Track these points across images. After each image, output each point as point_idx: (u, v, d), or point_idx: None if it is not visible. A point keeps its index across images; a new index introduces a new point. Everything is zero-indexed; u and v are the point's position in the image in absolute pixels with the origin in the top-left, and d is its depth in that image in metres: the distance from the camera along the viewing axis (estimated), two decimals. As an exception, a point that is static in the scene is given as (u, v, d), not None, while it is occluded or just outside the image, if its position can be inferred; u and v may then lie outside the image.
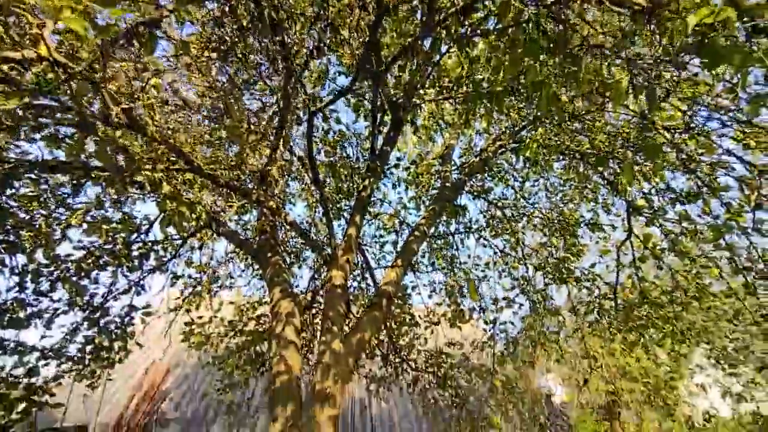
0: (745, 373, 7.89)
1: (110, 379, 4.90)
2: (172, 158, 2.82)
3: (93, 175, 3.19)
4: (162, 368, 12.23)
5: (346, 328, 3.22)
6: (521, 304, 5.36)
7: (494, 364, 5.68)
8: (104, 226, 3.67)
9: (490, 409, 5.99)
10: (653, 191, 4.08)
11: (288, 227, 4.69)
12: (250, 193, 3.26)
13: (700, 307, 6.63)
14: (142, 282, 4.75)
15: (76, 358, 4.61)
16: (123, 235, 4.24)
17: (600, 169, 4.29)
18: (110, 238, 4.08)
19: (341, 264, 3.16)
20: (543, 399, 10.24)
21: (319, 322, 4.33)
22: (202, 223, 3.86)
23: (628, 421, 10.23)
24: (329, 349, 2.70)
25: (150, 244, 4.62)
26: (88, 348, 4.68)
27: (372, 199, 5.39)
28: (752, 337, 6.68)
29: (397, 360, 7.05)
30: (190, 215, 3.34)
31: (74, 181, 3.71)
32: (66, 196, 3.76)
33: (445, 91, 3.69)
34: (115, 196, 3.55)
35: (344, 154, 5.04)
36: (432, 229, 5.13)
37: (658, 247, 4.29)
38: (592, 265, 5.17)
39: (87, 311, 4.50)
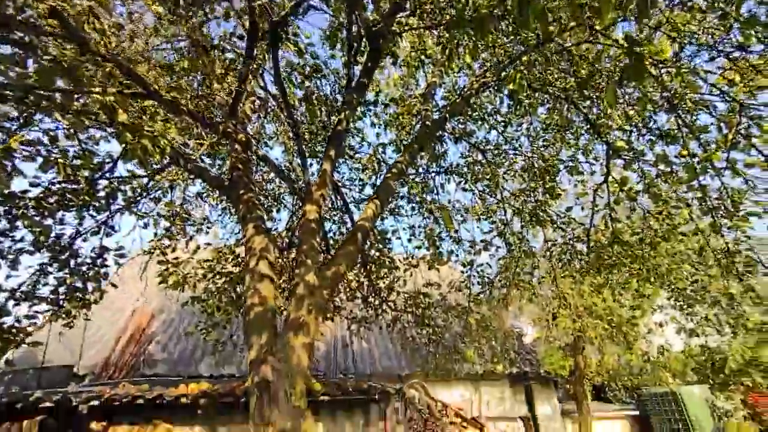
0: (699, 312, 8.53)
1: (88, 319, 4.90)
2: (125, 81, 2.56)
3: (42, 104, 2.91)
4: (147, 312, 12.40)
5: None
6: (498, 247, 5.49)
7: (470, 303, 5.91)
8: (61, 161, 3.43)
9: (465, 344, 6.35)
10: (633, 131, 4.05)
11: (261, 163, 4.51)
12: (218, 124, 3.05)
13: (666, 252, 6.95)
14: (111, 222, 4.59)
15: (49, 299, 4.55)
16: (85, 173, 4.00)
17: (583, 107, 4.19)
18: (71, 176, 3.85)
19: (315, 198, 3.08)
20: (515, 337, 10.93)
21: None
22: (168, 159, 3.65)
23: (591, 355, 11.12)
24: (303, 281, 2.70)
25: (116, 182, 4.40)
26: (62, 289, 4.62)
27: (350, 136, 5.20)
28: (710, 279, 7.14)
29: (377, 302, 7.28)
30: (154, 149, 3.14)
31: (24, 114, 3.40)
32: (14, 128, 3.45)
33: (426, 15, 3.41)
34: (70, 128, 3.26)
35: (321, 93, 4.75)
36: (410, 168, 5.04)
37: (633, 190, 4.35)
38: (569, 209, 5.25)
39: (55, 252, 4.36)
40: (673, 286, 7.58)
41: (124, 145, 3.21)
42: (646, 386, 18.07)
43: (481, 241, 5.38)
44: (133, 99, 2.86)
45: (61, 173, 3.44)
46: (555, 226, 4.97)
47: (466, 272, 5.81)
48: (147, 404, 5.14)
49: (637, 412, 16.56)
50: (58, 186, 3.79)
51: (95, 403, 4.77)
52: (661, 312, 9.14)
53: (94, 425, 4.77)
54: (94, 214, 4.55)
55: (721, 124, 3.40)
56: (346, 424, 5.96)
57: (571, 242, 5.13)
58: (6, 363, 3.96)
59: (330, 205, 5.66)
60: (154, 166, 4.05)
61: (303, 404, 2.27)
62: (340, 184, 5.73)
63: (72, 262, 4.58)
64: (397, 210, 5.99)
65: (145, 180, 4.15)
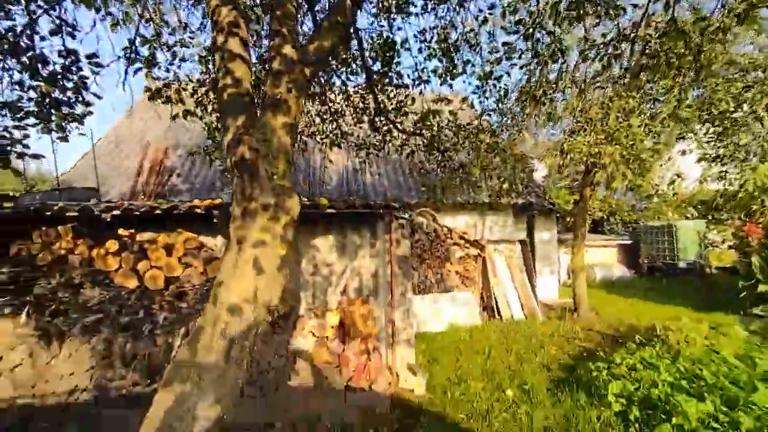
0: (732, 141, 7.98)
1: (83, 134, 4.76)
2: None
3: None
4: (162, 146, 12.62)
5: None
6: (522, 51, 4.65)
7: (482, 118, 5.47)
8: None
9: (473, 164, 6.19)
10: None
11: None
12: None
13: (720, 55, 5.90)
14: (67, 19, 3.92)
15: (35, 113, 4.35)
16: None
17: None
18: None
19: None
20: (524, 167, 10.84)
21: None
22: None
23: (599, 185, 11.10)
24: (280, 54, 2.23)
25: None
26: (46, 102, 4.37)
27: None
28: (763, 96, 6.30)
29: (385, 128, 6.90)
30: None
31: None
32: None
33: None
34: None
35: None
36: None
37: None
38: (619, -5, 4.17)
39: (13, 52, 3.89)
40: (713, 110, 6.86)
41: None
42: (644, 221, 19.03)
43: (503, 44, 4.54)
44: None
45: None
46: (602, 14, 3.97)
47: (482, 86, 5.16)
48: (166, 217, 5.47)
49: (630, 242, 17.89)
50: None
51: (116, 212, 5.06)
52: (686, 141, 8.61)
53: (121, 231, 5.19)
54: (44, 5, 3.86)
55: None
56: (354, 236, 6.41)
57: (614, 41, 4.25)
58: (16, 174, 3.99)
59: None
60: None
61: (287, 183, 2.12)
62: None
63: (41, 68, 4.15)
64: (405, 6, 4.95)
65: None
